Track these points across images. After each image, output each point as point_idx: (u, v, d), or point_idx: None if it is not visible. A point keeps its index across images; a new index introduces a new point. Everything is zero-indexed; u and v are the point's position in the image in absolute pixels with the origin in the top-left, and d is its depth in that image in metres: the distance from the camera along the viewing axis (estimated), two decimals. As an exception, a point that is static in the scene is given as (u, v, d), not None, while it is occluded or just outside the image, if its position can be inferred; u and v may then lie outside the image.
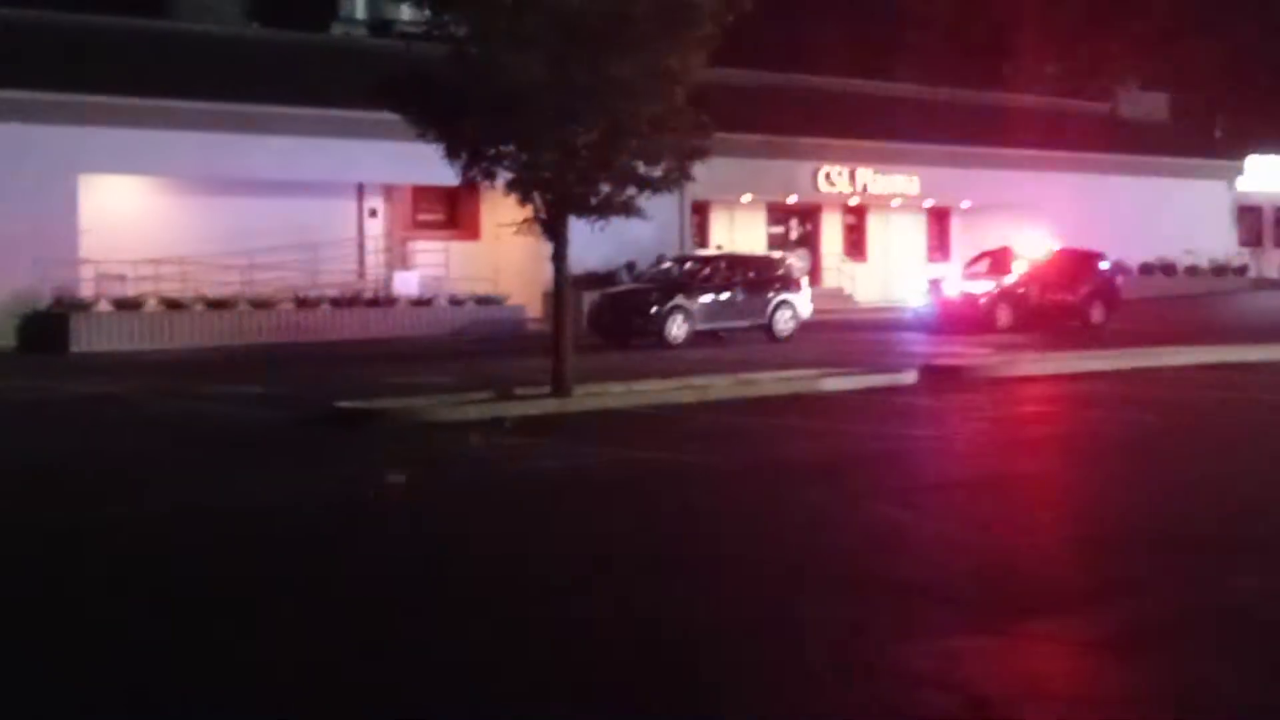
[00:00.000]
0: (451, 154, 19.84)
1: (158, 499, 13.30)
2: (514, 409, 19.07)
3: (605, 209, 19.81)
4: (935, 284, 35.74)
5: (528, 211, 20.01)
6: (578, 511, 12.58)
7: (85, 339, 31.55)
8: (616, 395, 20.34)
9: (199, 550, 11.07)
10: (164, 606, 9.33)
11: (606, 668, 7.92)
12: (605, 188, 19.67)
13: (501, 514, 12.55)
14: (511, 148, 19.49)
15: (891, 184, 44.90)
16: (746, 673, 7.82)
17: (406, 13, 36.52)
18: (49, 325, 31.85)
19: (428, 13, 19.86)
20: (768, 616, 8.90)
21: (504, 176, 20.01)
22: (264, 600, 9.44)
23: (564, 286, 20.33)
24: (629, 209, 19.91)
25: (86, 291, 32.88)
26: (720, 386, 21.33)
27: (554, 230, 19.90)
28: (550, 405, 19.28)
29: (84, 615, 9.13)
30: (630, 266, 36.43)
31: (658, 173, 19.79)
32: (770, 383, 21.83)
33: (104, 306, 32.40)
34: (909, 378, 22.62)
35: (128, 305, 32.65)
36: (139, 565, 10.60)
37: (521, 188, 19.68)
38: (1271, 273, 53.16)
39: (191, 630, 8.71)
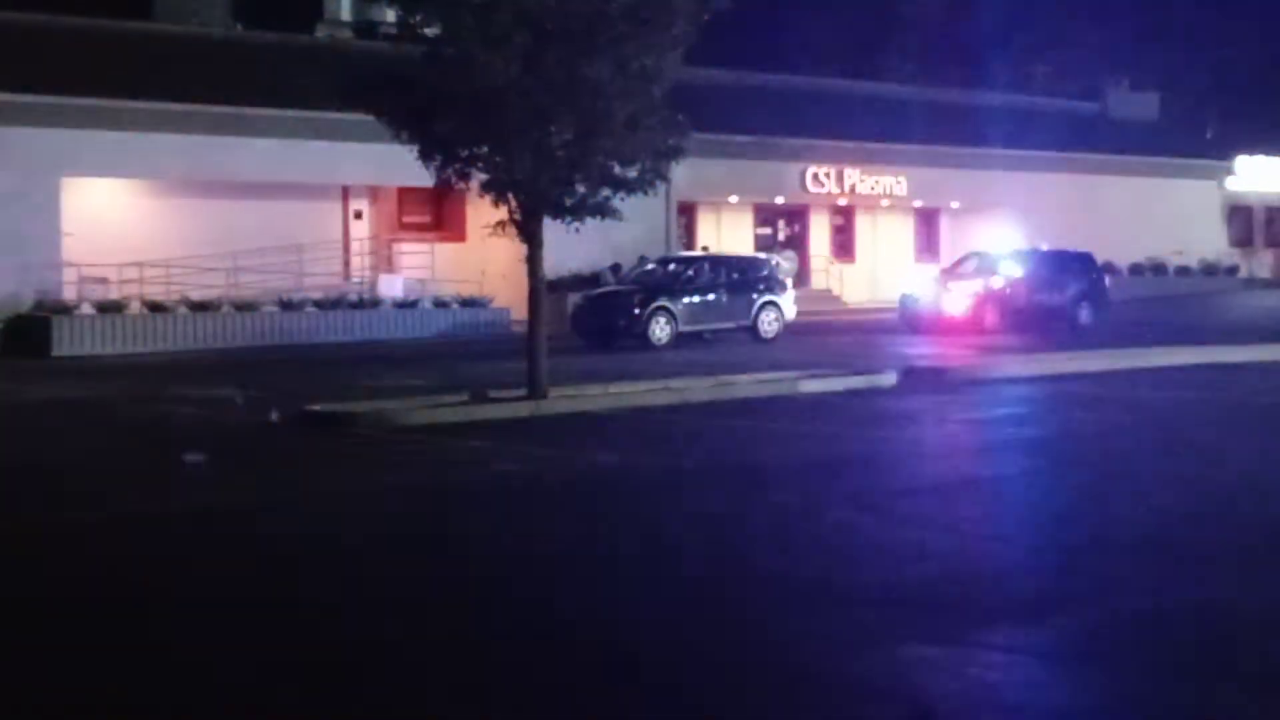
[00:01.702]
0: (426, 155, 19.72)
1: (112, 505, 13.13)
2: (488, 412, 18.94)
3: (580, 210, 19.66)
4: (922, 285, 35.58)
5: (503, 213, 19.85)
6: (523, 516, 12.38)
7: (67, 342, 31.37)
8: (592, 398, 20.19)
9: (133, 558, 10.93)
10: (95, 614, 9.18)
11: (542, 673, 7.78)
12: (580, 189, 19.52)
13: (442, 518, 12.41)
14: (485, 149, 19.34)
15: (879, 184, 44.74)
16: (688, 683, 7.65)
17: (391, 14, 36.34)
18: (31, 328, 31.68)
19: (399, 12, 19.72)
20: (713, 625, 8.74)
21: (479, 178, 19.86)
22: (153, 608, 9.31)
23: (538, 288, 20.17)
24: (604, 210, 19.76)
25: (69, 294, 32.71)
26: (698, 389, 21.18)
27: (528, 232, 19.75)
28: (524, 408, 19.13)
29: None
30: (615, 268, 36.26)
31: (633, 173, 19.64)
32: (749, 385, 21.68)
33: (86, 309, 32.23)
34: (889, 379, 22.47)
35: (110, 308, 32.47)
36: (71, 574, 10.44)
37: (495, 189, 19.53)
38: (1262, 273, 53.02)
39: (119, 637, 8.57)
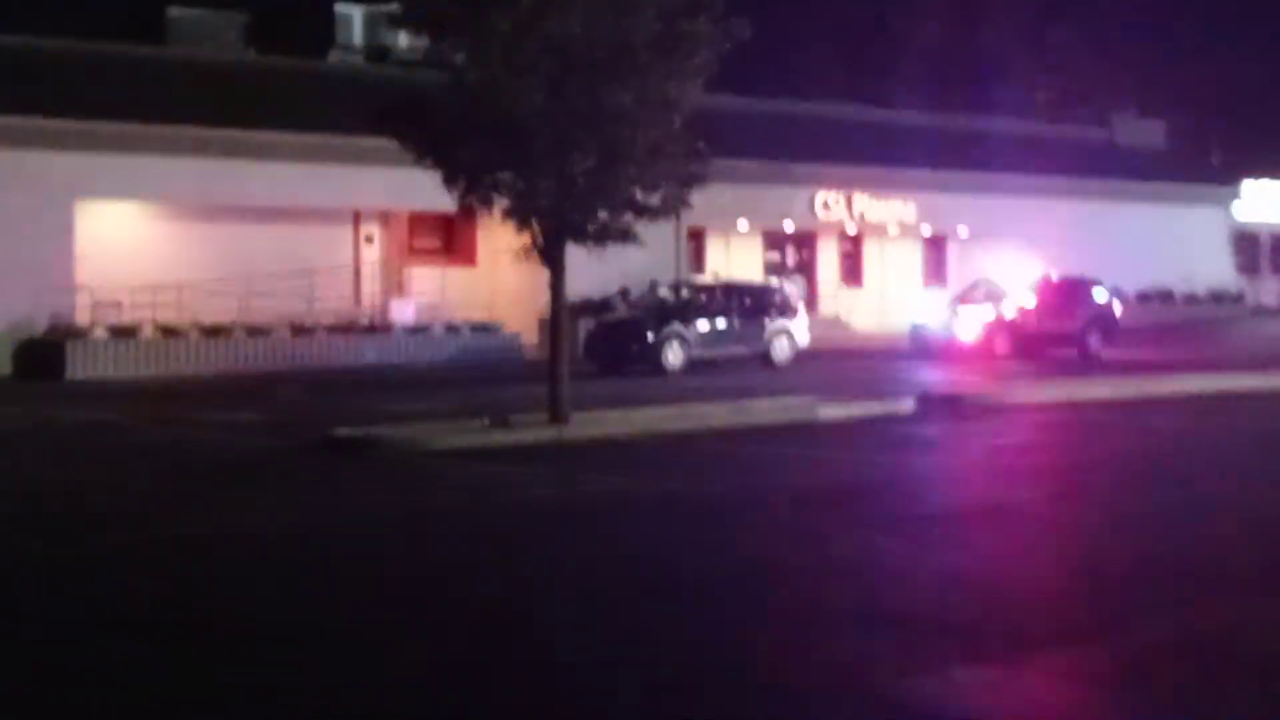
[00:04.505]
0: (449, 181, 19.81)
1: (154, 527, 13.21)
2: (511, 437, 19.01)
3: (603, 236, 19.76)
4: (932, 311, 35.72)
5: (524, 239, 19.97)
6: (566, 540, 12.48)
7: (81, 366, 31.48)
8: (613, 423, 20.26)
9: (188, 579, 11.00)
10: (153, 635, 9.24)
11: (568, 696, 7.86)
12: (603, 215, 19.62)
13: (485, 543, 12.50)
14: (509, 175, 19.45)
15: (888, 211, 44.91)
16: (741, 707, 7.73)
17: (404, 40, 36.58)
18: (45, 352, 31.78)
19: (426, 40, 19.83)
20: (761, 649, 8.81)
21: (502, 203, 19.97)
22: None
23: (561, 314, 20.28)
24: (626, 236, 19.87)
25: (82, 318, 32.85)
26: (718, 414, 21.26)
27: (551, 258, 19.85)
28: (547, 433, 19.20)
29: (75, 644, 9.06)
30: (624, 293, 36.41)
31: (655, 200, 19.76)
32: (767, 411, 21.77)
33: (100, 333, 32.34)
34: (906, 406, 22.55)
35: (124, 332, 32.59)
36: (128, 595, 10.51)
37: (519, 215, 19.64)
38: (1269, 300, 53.22)
39: (178, 657, 8.64)
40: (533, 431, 19.27)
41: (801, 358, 32.51)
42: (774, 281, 36.57)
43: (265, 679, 8.30)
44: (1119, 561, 11.28)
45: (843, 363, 32.54)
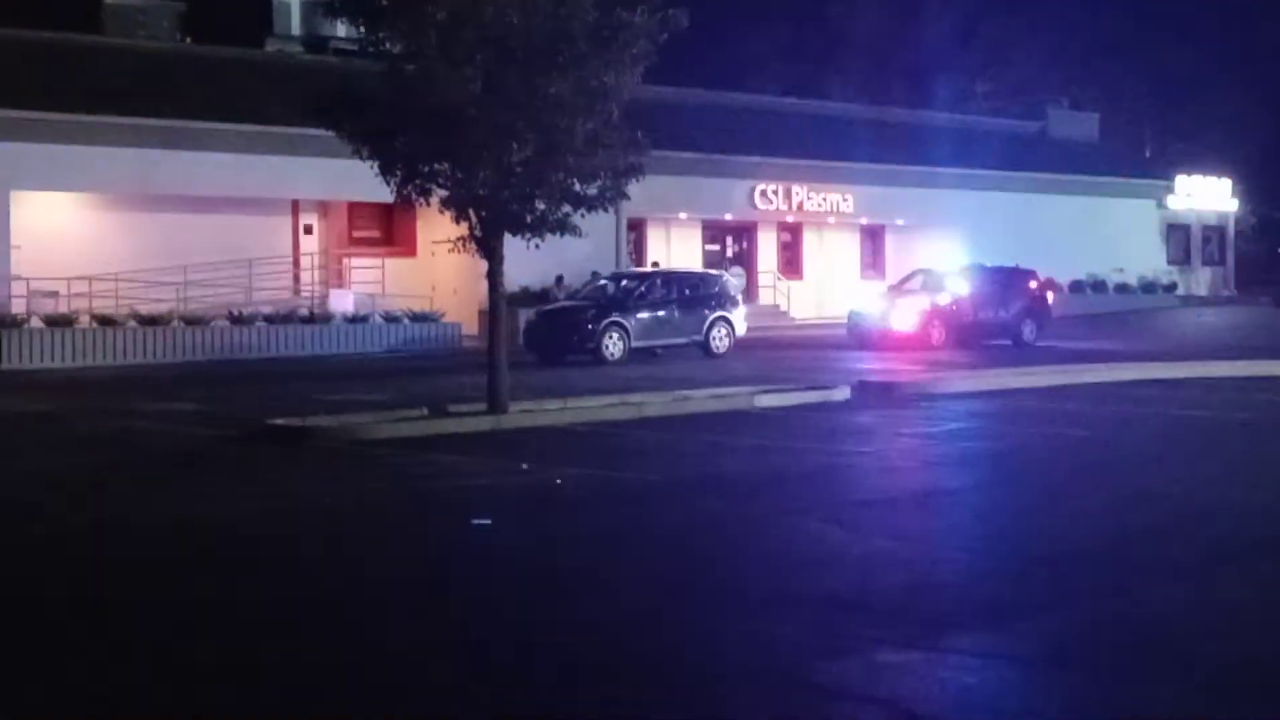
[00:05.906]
0: (386, 172, 19.82)
1: (80, 516, 13.22)
2: (449, 426, 19.08)
3: (540, 227, 19.82)
4: (869, 301, 36.04)
5: (462, 229, 20.01)
6: (496, 528, 12.57)
7: (17, 356, 31.24)
8: (552, 412, 20.37)
9: (120, 567, 11.05)
10: (81, 622, 9.31)
11: (521, 684, 7.99)
12: (540, 205, 19.68)
13: (411, 532, 12.60)
14: (446, 165, 19.49)
15: (826, 202, 45.22)
16: (668, 688, 7.87)
17: (342, 30, 36.52)
18: (-21, 342, 31.50)
19: (362, 30, 19.82)
20: (691, 631, 8.96)
21: (439, 194, 20.00)
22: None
23: (499, 304, 20.35)
24: (564, 227, 19.94)
25: (18, 308, 32.57)
26: (656, 403, 21.41)
27: (489, 248, 19.91)
28: (485, 423, 19.28)
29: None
30: (559, 280, 36.51)
31: (593, 190, 19.85)
32: (705, 399, 21.94)
33: (36, 323, 32.10)
34: (843, 394, 22.80)
35: (60, 322, 32.36)
36: (62, 581, 10.56)
37: (456, 206, 19.68)
38: (1199, 290, 53.97)
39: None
40: (470, 421, 19.35)
41: (741, 347, 32.71)
42: (716, 272, 36.65)
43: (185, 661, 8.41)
44: (1043, 547, 11.53)
45: (781, 352, 32.76)
